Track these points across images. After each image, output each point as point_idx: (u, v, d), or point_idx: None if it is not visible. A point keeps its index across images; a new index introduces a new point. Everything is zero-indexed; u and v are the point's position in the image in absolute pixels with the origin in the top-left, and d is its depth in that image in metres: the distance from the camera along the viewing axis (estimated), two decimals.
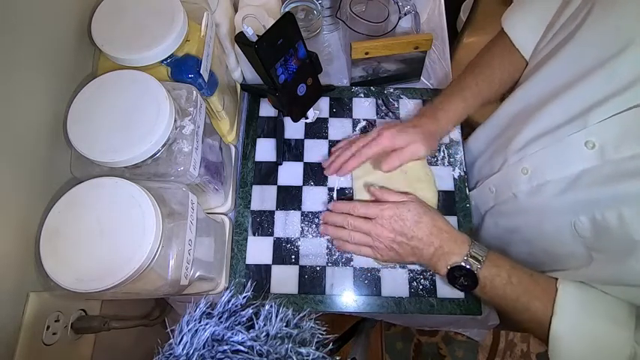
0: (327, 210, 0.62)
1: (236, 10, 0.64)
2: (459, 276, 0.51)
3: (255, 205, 0.64)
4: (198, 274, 0.47)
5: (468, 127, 0.73)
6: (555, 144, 0.49)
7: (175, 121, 0.44)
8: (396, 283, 0.60)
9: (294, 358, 0.35)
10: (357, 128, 0.70)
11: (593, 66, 0.44)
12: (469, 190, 0.66)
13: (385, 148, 0.58)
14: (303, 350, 0.36)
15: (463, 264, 0.51)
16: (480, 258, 0.51)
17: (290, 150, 0.68)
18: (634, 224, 0.40)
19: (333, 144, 0.69)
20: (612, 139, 0.42)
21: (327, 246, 0.62)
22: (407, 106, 0.72)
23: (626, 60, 0.41)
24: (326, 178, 0.66)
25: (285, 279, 0.60)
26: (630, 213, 0.40)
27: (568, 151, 0.47)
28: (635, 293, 0.44)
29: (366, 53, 0.66)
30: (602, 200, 0.43)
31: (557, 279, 0.48)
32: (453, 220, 0.64)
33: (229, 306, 0.39)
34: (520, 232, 0.57)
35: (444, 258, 0.52)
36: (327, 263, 0.61)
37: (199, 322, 0.36)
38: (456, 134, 0.70)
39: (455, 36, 1.39)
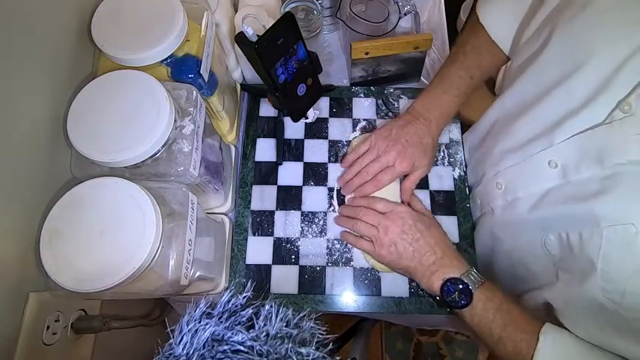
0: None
1: (236, 10, 0.64)
2: (454, 291, 0.50)
3: (255, 205, 0.64)
4: (198, 274, 0.47)
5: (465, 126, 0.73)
6: (524, 161, 0.49)
7: (175, 121, 0.44)
8: (395, 283, 0.60)
9: (294, 358, 0.35)
10: (357, 128, 0.70)
11: (553, 84, 0.45)
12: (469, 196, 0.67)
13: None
14: (303, 350, 0.36)
15: (462, 277, 0.50)
16: (477, 279, 0.51)
17: (290, 150, 0.68)
18: (591, 246, 0.40)
19: (333, 144, 0.69)
20: (572, 159, 0.43)
21: (327, 246, 0.62)
22: (407, 106, 0.72)
23: (580, 80, 0.42)
24: (326, 178, 0.66)
25: (285, 279, 0.60)
26: (587, 235, 0.40)
27: (534, 169, 0.47)
28: (592, 320, 0.43)
29: (366, 53, 0.66)
30: (565, 219, 0.44)
31: (543, 323, 0.47)
32: (452, 219, 0.64)
33: (229, 306, 0.39)
34: (501, 243, 0.57)
35: (442, 270, 0.52)
36: (327, 263, 0.61)
37: (199, 322, 0.36)
38: (455, 134, 0.70)
39: (455, 36, 1.38)
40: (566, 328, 0.46)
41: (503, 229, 0.56)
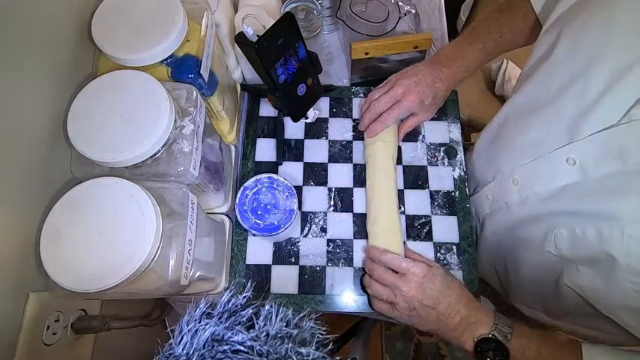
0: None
1: (236, 10, 0.64)
2: (488, 350, 0.47)
3: None
4: (198, 274, 0.47)
5: (472, 129, 0.73)
6: (541, 158, 0.50)
7: (175, 121, 0.44)
8: None
9: (294, 358, 0.35)
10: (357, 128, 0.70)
11: (567, 83, 0.45)
12: (469, 196, 0.67)
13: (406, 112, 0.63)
14: (303, 350, 0.36)
15: (491, 335, 0.48)
16: (506, 329, 0.48)
17: (290, 150, 0.68)
18: (610, 242, 0.40)
19: (333, 144, 0.69)
20: (592, 156, 0.43)
21: (327, 246, 0.62)
22: None
23: (594, 79, 0.42)
24: (326, 178, 0.66)
25: (285, 279, 0.60)
26: (607, 231, 0.41)
27: (552, 166, 0.48)
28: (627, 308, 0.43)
29: (366, 53, 0.66)
30: (582, 215, 0.44)
31: (580, 344, 0.45)
32: (452, 219, 0.64)
33: (229, 306, 0.39)
34: (510, 240, 0.58)
35: (469, 329, 0.49)
36: (327, 263, 0.61)
37: (199, 322, 0.36)
38: (455, 134, 0.70)
39: (455, 36, 1.38)
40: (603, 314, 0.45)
41: (514, 223, 0.56)
